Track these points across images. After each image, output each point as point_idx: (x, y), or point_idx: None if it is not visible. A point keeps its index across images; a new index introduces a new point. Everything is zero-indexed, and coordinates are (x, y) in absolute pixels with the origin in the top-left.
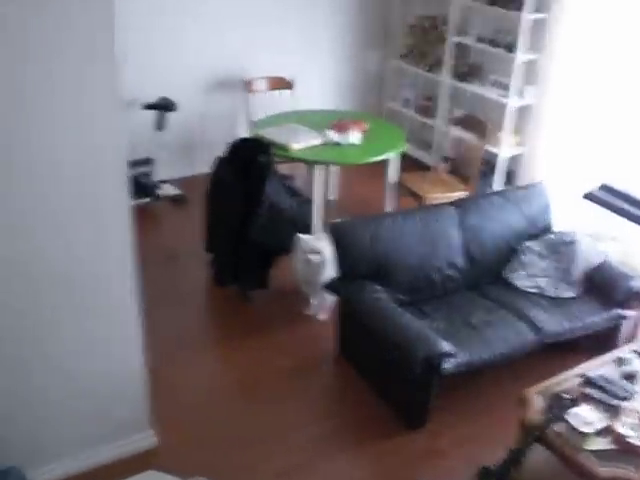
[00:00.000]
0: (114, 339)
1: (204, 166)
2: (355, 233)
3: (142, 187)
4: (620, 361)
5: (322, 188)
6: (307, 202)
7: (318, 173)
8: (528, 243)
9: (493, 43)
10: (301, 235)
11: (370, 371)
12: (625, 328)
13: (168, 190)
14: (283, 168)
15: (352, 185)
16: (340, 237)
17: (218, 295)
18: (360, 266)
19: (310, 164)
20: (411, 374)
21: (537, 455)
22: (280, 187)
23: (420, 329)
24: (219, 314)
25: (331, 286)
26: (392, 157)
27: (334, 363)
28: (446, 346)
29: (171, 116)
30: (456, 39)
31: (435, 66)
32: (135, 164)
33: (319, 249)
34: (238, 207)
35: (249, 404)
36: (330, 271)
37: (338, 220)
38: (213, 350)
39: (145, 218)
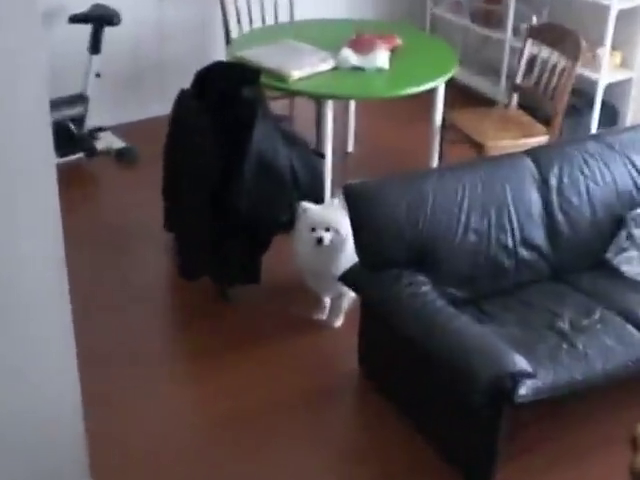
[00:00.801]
0: (34, 369)
1: (161, 106)
2: (385, 200)
3: (71, 138)
4: None
5: (335, 135)
6: (314, 156)
7: (329, 113)
8: None
9: None
10: (306, 204)
11: (409, 400)
12: None
13: (109, 142)
14: (278, 106)
15: (379, 130)
16: (362, 206)
17: (185, 293)
18: (392, 248)
19: (317, 100)
20: (471, 404)
21: None
22: (274, 134)
23: (482, 338)
24: (188, 320)
25: (350, 278)
26: (438, 87)
27: (356, 388)
28: (521, 362)
29: (111, 32)
30: None
31: None
32: (60, 104)
33: (332, 224)
34: (212, 165)
35: (234, 450)
36: (349, 256)
37: (359, 181)
38: (181, 371)
39: (76, 183)
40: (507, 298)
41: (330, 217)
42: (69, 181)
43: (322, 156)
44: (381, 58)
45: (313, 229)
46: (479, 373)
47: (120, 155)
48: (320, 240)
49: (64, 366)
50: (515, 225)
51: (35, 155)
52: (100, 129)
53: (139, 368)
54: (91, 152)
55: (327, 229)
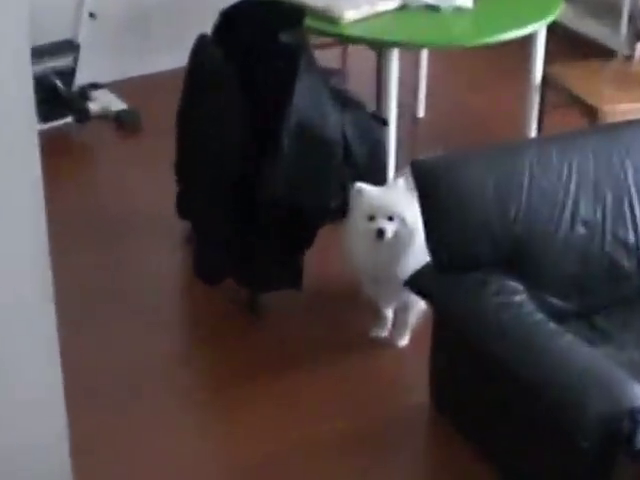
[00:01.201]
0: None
1: (173, 57)
2: (466, 180)
3: (57, 97)
4: None
5: (400, 94)
6: (373, 122)
7: (394, 67)
8: None
9: None
10: (363, 185)
11: (494, 440)
12: None
13: (106, 102)
14: (327, 57)
15: (459, 90)
16: (436, 188)
17: (204, 301)
18: (476, 244)
19: (378, 49)
20: (575, 448)
21: None
22: (321, 94)
23: (593, 363)
24: (206, 337)
25: (419, 283)
26: (537, 33)
27: (426, 426)
28: None
29: None
30: None
31: None
32: (43, 53)
33: (397, 211)
34: (241, 134)
35: None
36: (418, 255)
37: (432, 156)
38: (196, 405)
39: (64, 155)
40: (627, 312)
41: (394, 202)
42: (54, 153)
43: (384, 123)
44: None
45: (371, 218)
46: (587, 409)
47: (120, 120)
48: (381, 232)
49: (47, 396)
50: (638, 215)
51: (11, 119)
52: (94, 86)
53: (141, 402)
54: (82, 116)
55: (390, 218)
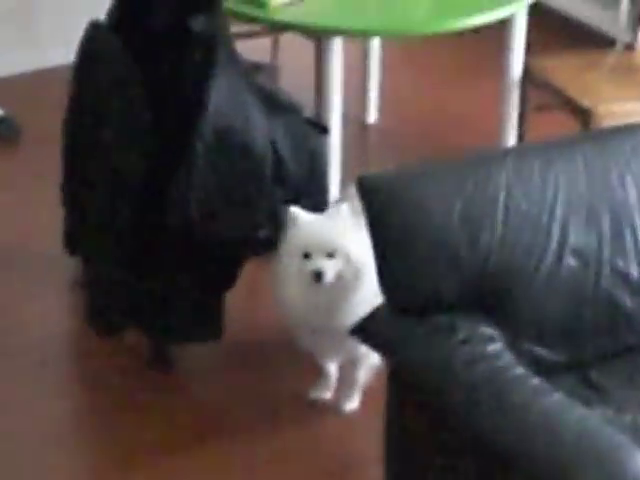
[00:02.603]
0: None
1: (59, 50)
2: (428, 202)
3: None
4: None
5: (346, 95)
6: (311, 130)
7: (336, 60)
8: None
9: None
10: (297, 210)
11: None
12: None
13: None
14: (252, 48)
15: (419, 89)
16: (390, 213)
17: (100, 356)
18: (440, 281)
19: (317, 38)
20: None
21: None
22: (245, 95)
23: (588, 429)
24: (105, 401)
25: (370, 331)
26: (516, 17)
27: None
28: None
29: None
30: None
31: None
32: None
33: (339, 246)
34: (143, 144)
35: None
36: (367, 297)
37: (384, 172)
38: None
39: None
40: (629, 364)
41: (335, 234)
42: None
43: (324, 130)
44: None
45: (307, 255)
46: None
47: None
48: (318, 275)
49: None
50: None
51: None
52: None
53: None
54: None
55: (330, 255)
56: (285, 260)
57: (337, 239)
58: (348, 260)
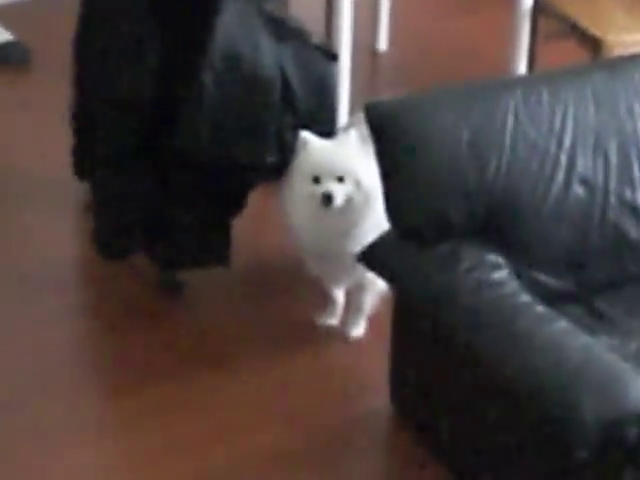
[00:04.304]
0: None
1: None
2: (435, 128)
3: None
4: None
5: (353, 20)
6: (320, 57)
7: None
8: None
9: None
10: (307, 135)
11: (468, 453)
12: None
13: None
14: None
15: (429, 17)
16: (398, 139)
17: (107, 281)
18: (446, 207)
19: None
20: (571, 461)
21: None
22: (253, 21)
23: (592, 356)
24: (110, 325)
25: (377, 257)
26: None
27: (385, 433)
28: None
29: None
30: None
31: None
32: None
33: (349, 170)
34: (153, 68)
35: None
36: (375, 224)
37: (393, 98)
38: (104, 413)
39: None
40: (636, 293)
41: (345, 159)
42: None
43: (334, 57)
44: None
45: (316, 179)
46: (584, 412)
47: (4, 55)
48: (328, 197)
49: None
50: None
51: None
52: None
53: (36, 414)
54: None
55: (340, 179)
56: (295, 184)
57: (347, 163)
58: (358, 185)
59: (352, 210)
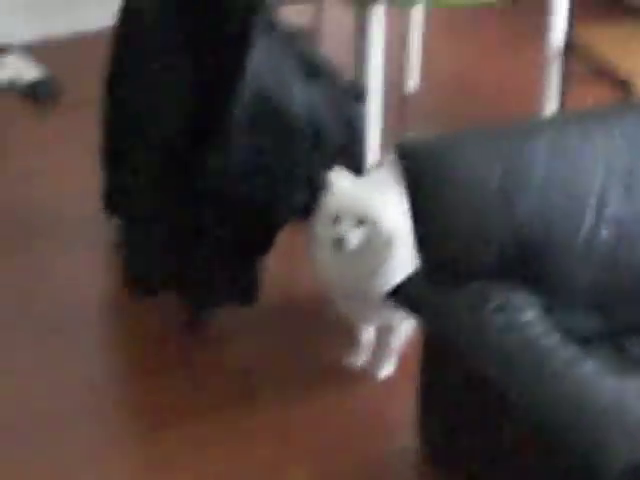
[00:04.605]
0: None
1: (99, 14)
2: (465, 168)
3: None
4: None
5: (387, 63)
6: (350, 96)
7: (377, 26)
8: None
9: None
10: (335, 174)
11: None
12: None
13: (15, 69)
14: (294, 14)
15: (460, 57)
16: (428, 178)
17: (135, 319)
18: (476, 248)
19: (358, 3)
20: None
21: None
22: (284, 61)
23: (622, 398)
24: (138, 364)
25: (406, 297)
26: None
27: (414, 477)
28: None
29: None
30: None
31: None
32: None
33: (368, 213)
34: (184, 108)
35: None
36: (403, 263)
37: (423, 137)
38: (125, 451)
39: None
40: None
41: (365, 201)
42: None
43: (362, 97)
44: None
45: (336, 220)
46: (611, 455)
47: (32, 91)
48: (340, 241)
49: None
50: None
51: None
52: (1, 49)
53: (58, 444)
54: None
55: (360, 221)
56: (318, 224)
57: (368, 206)
58: (378, 228)
59: (372, 252)
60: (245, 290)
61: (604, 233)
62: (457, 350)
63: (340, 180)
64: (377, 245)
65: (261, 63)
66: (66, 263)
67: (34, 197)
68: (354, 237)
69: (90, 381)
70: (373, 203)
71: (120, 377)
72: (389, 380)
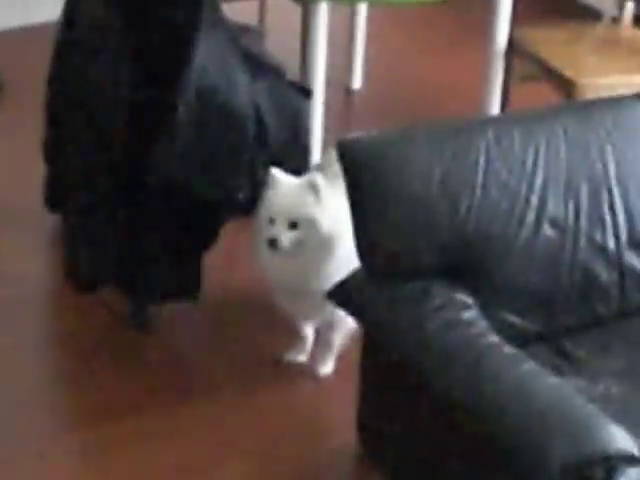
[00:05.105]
0: None
1: (45, 8)
2: (407, 167)
3: None
4: None
5: (332, 59)
6: (295, 93)
7: (322, 23)
8: None
9: None
10: (279, 174)
11: None
12: None
13: None
14: (238, 10)
15: (403, 55)
16: (369, 176)
17: (77, 313)
18: (416, 246)
19: (305, 0)
20: None
21: None
22: (229, 57)
23: (560, 398)
24: (81, 358)
25: (346, 295)
26: None
27: (353, 474)
28: (623, 439)
29: None
30: None
31: None
32: None
33: (303, 217)
34: (127, 102)
35: None
36: (344, 260)
37: (365, 135)
38: (68, 446)
39: None
40: (603, 335)
41: (300, 203)
42: None
43: (308, 94)
44: None
45: (271, 221)
46: (550, 455)
47: None
48: (272, 242)
49: None
50: (621, 215)
51: None
52: None
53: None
54: None
55: (293, 224)
56: (257, 223)
57: (301, 209)
58: (313, 229)
59: (309, 251)
60: (188, 285)
61: (545, 233)
62: (396, 348)
63: (279, 180)
64: (313, 245)
65: (206, 58)
66: (8, 255)
67: None
68: (286, 239)
69: (32, 374)
70: (308, 205)
71: (62, 370)
72: (329, 377)
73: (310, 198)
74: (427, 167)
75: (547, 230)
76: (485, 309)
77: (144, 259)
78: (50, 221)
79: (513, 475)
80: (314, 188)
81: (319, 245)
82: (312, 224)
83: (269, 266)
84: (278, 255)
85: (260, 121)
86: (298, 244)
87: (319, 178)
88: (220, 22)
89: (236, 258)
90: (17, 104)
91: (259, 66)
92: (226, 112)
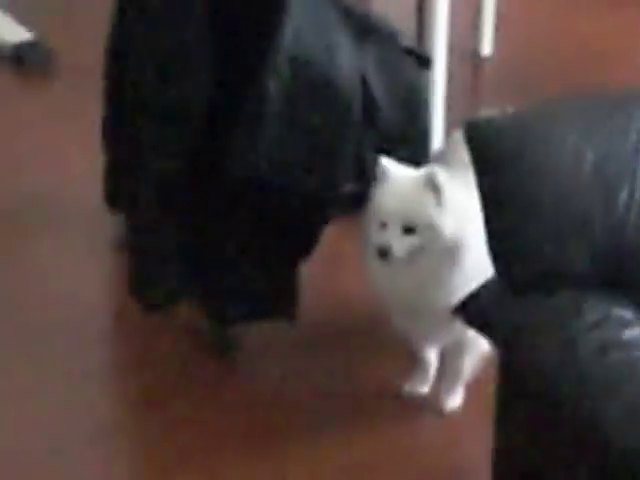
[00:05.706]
0: None
1: None
2: (551, 153)
3: None
4: None
5: (455, 23)
6: (410, 62)
7: None
8: None
9: None
10: (390, 164)
11: None
12: None
13: (1, 32)
14: None
15: (545, 15)
16: (504, 165)
17: (145, 336)
18: (566, 252)
19: None
20: None
21: None
22: (329, 16)
23: None
24: (149, 391)
25: (478, 310)
26: None
27: None
28: None
29: None
30: None
31: None
32: None
33: (422, 220)
34: (205, 78)
35: None
36: (473, 271)
37: (498, 113)
38: None
39: None
40: None
41: (417, 202)
42: None
43: (427, 63)
44: None
45: (383, 224)
46: None
47: (21, 57)
48: (383, 251)
49: None
50: None
51: None
52: None
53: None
54: None
55: (408, 229)
56: (367, 225)
57: (419, 210)
58: (434, 235)
59: (430, 260)
60: (282, 302)
61: None
62: (541, 375)
63: (391, 173)
64: (434, 253)
65: (300, 22)
66: (62, 265)
67: (24, 183)
68: (400, 247)
69: (95, 407)
70: (427, 206)
71: (129, 404)
72: (458, 412)
73: (430, 197)
74: (576, 153)
75: None
76: None
77: (227, 270)
78: (110, 222)
79: None
80: (435, 184)
81: (441, 253)
82: (432, 229)
83: (381, 278)
84: (391, 266)
85: (368, 97)
86: (415, 252)
87: (441, 171)
88: None
89: (341, 266)
90: (69, 79)
91: (366, 29)
92: (325, 86)
